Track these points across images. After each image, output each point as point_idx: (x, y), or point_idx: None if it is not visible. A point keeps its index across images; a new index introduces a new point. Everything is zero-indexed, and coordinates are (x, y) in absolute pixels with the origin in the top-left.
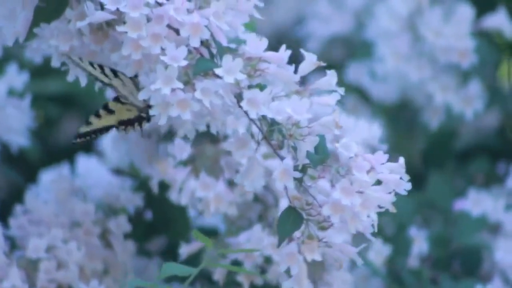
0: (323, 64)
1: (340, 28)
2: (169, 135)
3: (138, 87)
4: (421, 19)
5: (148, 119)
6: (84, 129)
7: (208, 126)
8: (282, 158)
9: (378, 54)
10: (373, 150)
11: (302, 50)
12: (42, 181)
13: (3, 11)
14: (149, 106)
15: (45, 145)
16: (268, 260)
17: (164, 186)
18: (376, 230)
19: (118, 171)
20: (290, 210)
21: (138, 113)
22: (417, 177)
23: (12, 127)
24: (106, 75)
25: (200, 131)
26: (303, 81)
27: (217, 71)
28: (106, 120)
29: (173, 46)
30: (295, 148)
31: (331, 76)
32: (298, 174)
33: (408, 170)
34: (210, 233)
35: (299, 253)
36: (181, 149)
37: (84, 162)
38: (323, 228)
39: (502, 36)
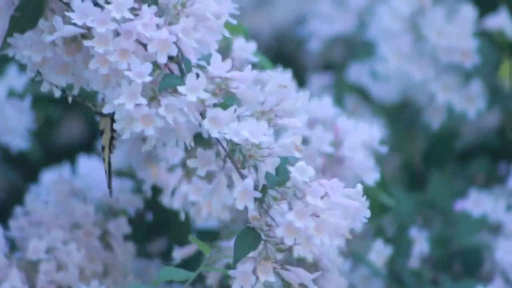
0: (285, 86)
1: (342, 28)
2: None
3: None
4: (424, 19)
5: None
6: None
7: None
8: (244, 177)
9: (380, 53)
10: (373, 152)
11: (268, 72)
12: (43, 182)
13: None
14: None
15: (45, 146)
16: None
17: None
18: (331, 255)
19: (118, 173)
20: (249, 230)
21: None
22: (417, 177)
23: (12, 128)
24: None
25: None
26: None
27: (180, 89)
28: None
29: (138, 62)
30: (256, 168)
31: (296, 99)
32: (258, 194)
33: (409, 170)
34: (211, 234)
35: (253, 273)
36: (174, 153)
37: (85, 163)
38: (280, 250)
39: (503, 36)
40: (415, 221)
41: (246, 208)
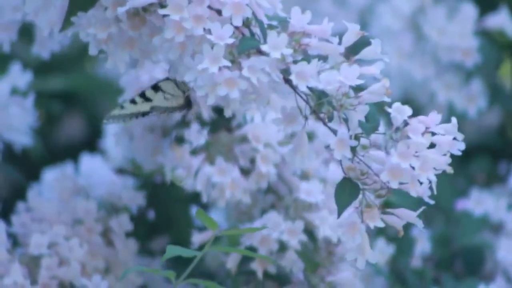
0: (366, 33)
1: (343, 27)
2: (173, 128)
3: (179, 84)
4: (424, 18)
5: (187, 113)
6: (117, 112)
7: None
8: (333, 131)
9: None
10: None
11: (344, 21)
12: (45, 180)
13: (37, 2)
14: (188, 102)
15: (47, 144)
16: (282, 247)
17: (166, 186)
18: (435, 193)
19: (121, 170)
20: (346, 181)
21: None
22: None
23: (15, 126)
24: (147, 99)
25: (215, 118)
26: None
27: (263, 47)
28: (141, 106)
29: (218, 25)
30: (345, 119)
31: (376, 45)
32: (354, 143)
33: None
34: None
35: (361, 222)
36: (198, 135)
37: (87, 161)
38: (380, 196)
39: (504, 35)
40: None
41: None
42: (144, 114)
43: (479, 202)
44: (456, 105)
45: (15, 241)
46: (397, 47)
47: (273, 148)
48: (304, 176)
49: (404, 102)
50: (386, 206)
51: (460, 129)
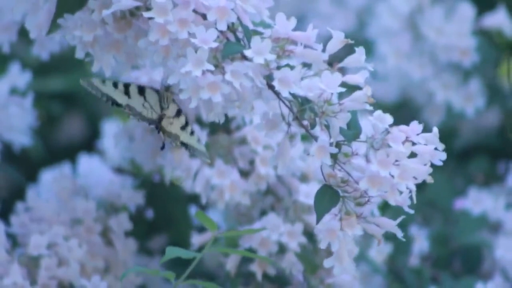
0: (351, 42)
1: (341, 27)
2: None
3: (162, 100)
4: (422, 18)
5: (158, 130)
6: (96, 83)
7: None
8: (315, 138)
9: (379, 52)
10: None
11: (329, 28)
12: (43, 180)
13: (25, 5)
14: (161, 119)
15: (46, 144)
16: (282, 249)
17: (165, 185)
18: (415, 202)
19: (119, 170)
20: (326, 188)
21: (150, 116)
22: None
23: (14, 126)
24: (128, 93)
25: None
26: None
27: (247, 52)
28: (118, 95)
29: (202, 29)
30: (327, 126)
31: (360, 53)
32: (334, 150)
33: None
34: None
35: (340, 230)
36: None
37: (86, 161)
38: (359, 204)
39: (502, 35)
40: (415, 220)
41: (322, 165)
42: (116, 104)
43: (477, 202)
44: (454, 104)
45: (14, 241)
46: (395, 47)
47: (272, 150)
48: (304, 178)
49: (402, 102)
50: (384, 205)
51: (458, 129)
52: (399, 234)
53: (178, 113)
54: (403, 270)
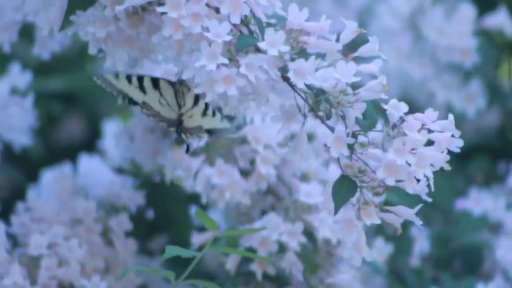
0: (364, 31)
1: (342, 27)
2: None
3: (178, 95)
4: (423, 18)
5: (178, 132)
6: (110, 78)
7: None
8: (331, 128)
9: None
10: None
11: (342, 19)
12: (43, 180)
13: (37, 1)
14: (181, 121)
15: (47, 144)
16: (282, 248)
17: (165, 185)
18: (433, 190)
19: (119, 170)
20: (343, 178)
21: (169, 116)
22: None
23: (15, 126)
24: (142, 88)
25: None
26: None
27: (261, 44)
28: (134, 91)
29: (216, 23)
30: (343, 117)
31: (374, 42)
32: (351, 140)
33: None
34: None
35: (357, 219)
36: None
37: (86, 161)
38: (377, 194)
39: (502, 35)
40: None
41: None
42: (133, 102)
43: (478, 202)
44: (454, 105)
45: (14, 241)
46: (395, 47)
47: (273, 149)
48: (304, 178)
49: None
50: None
51: (459, 129)
52: (418, 222)
53: (196, 100)
54: (403, 270)
